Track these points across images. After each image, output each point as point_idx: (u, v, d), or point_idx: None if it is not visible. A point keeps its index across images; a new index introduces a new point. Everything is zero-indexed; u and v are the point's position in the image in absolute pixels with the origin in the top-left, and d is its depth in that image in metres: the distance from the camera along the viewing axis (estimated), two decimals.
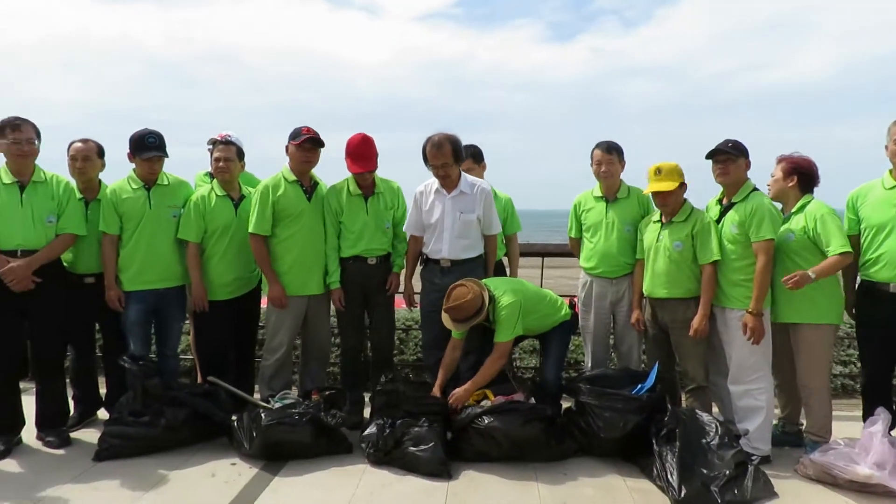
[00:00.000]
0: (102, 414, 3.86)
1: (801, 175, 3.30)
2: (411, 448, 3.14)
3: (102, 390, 3.91)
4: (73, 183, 3.60)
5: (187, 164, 3.81)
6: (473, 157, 4.06)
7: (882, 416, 3.03)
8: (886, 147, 3.18)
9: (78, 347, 3.77)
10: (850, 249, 3.11)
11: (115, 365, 3.64)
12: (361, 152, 3.62)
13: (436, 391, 3.48)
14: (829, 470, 2.99)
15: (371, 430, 3.32)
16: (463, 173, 3.73)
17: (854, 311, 3.40)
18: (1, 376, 3.33)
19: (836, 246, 3.09)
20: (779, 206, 3.37)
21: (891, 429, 3.08)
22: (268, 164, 4.15)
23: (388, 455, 3.20)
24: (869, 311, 3.27)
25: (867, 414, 3.26)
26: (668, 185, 3.36)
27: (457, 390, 3.43)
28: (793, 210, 3.30)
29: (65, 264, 3.60)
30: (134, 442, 3.30)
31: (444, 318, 3.41)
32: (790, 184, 3.30)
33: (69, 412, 3.68)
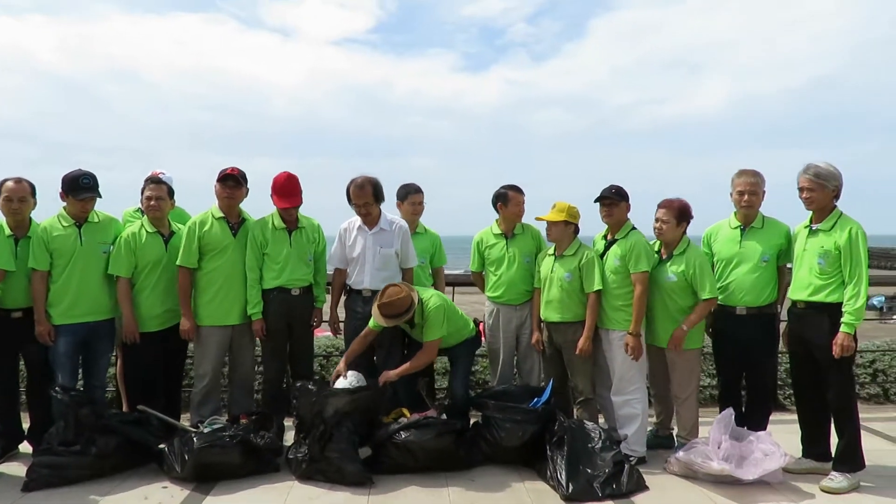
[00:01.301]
0: (24, 448, 3.92)
1: (688, 219, 3.83)
2: (335, 457, 3.45)
3: (24, 424, 3.98)
4: (2, 221, 3.73)
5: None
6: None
7: (727, 413, 3.63)
8: (731, 194, 3.86)
9: (1, 381, 3.83)
10: (717, 294, 3.73)
11: (40, 398, 3.77)
12: (287, 189, 3.97)
13: (341, 365, 3.87)
14: (690, 466, 3.57)
15: (295, 445, 3.61)
16: (383, 211, 4.14)
17: (710, 330, 4.04)
18: None
19: (709, 292, 3.70)
20: (652, 238, 3.97)
21: (739, 425, 3.71)
22: (178, 185, 4.30)
23: (314, 464, 3.47)
24: (721, 329, 3.91)
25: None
26: (552, 217, 3.91)
27: (388, 371, 3.82)
28: (675, 252, 3.81)
29: None
30: (65, 471, 3.43)
31: (375, 312, 3.75)
32: (681, 230, 3.83)
33: None
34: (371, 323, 3.86)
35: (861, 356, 5.58)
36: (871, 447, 4.14)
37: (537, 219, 4.07)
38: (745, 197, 3.77)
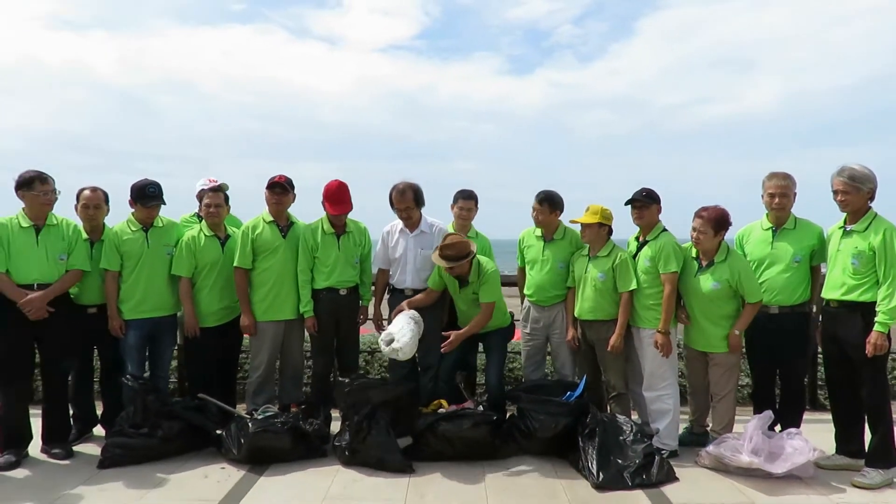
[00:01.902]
0: (97, 431, 4.30)
1: (725, 227, 3.86)
2: (374, 449, 3.68)
3: (97, 410, 4.38)
4: (80, 225, 4.12)
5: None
6: (551, 205, 4.33)
7: (766, 415, 3.71)
8: (762, 196, 3.94)
9: (79, 370, 4.23)
10: (762, 298, 3.80)
11: (112, 386, 4.15)
12: (338, 197, 4.25)
13: (404, 304, 4.14)
14: (720, 459, 3.66)
15: (340, 433, 3.87)
16: (423, 215, 4.37)
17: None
18: (16, 395, 3.80)
19: (755, 297, 3.78)
20: (685, 240, 4.06)
21: (774, 425, 3.78)
22: (230, 192, 4.55)
23: (356, 454, 3.71)
24: (754, 328, 3.97)
25: (757, 413, 3.95)
26: (587, 219, 4.04)
27: (453, 333, 4.07)
28: (716, 259, 3.85)
29: (71, 296, 4.08)
30: (134, 451, 3.77)
31: (435, 256, 4.01)
32: (718, 239, 3.87)
33: (71, 428, 4.13)
34: (430, 281, 4.19)
35: None
36: None
37: (571, 221, 4.22)
38: (776, 199, 3.84)
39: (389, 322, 4.21)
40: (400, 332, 3.90)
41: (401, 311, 4.11)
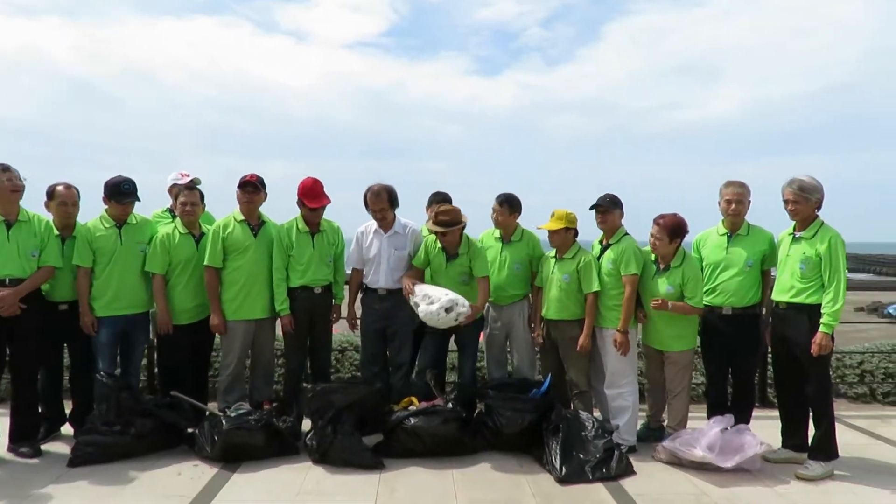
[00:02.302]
0: (65, 429, 4.29)
1: (681, 235, 4.08)
2: (342, 453, 3.78)
3: (66, 408, 4.36)
4: (51, 221, 4.11)
5: (97, 186, 4.30)
6: (510, 206, 4.45)
7: (727, 418, 3.91)
8: (719, 203, 4.15)
9: (49, 368, 4.22)
10: (702, 305, 4.02)
11: (82, 384, 4.16)
12: (316, 191, 4.33)
13: (407, 282, 4.25)
14: (675, 453, 3.87)
15: (311, 433, 3.95)
16: (397, 216, 4.48)
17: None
18: None
19: (697, 301, 4.00)
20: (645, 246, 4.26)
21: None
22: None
23: (325, 457, 3.80)
24: (708, 328, 4.19)
25: (711, 410, 4.17)
26: (553, 225, 4.21)
27: (474, 305, 4.21)
28: (672, 264, 4.06)
29: (42, 293, 4.07)
30: (106, 449, 3.80)
31: (429, 224, 4.23)
32: (674, 245, 4.07)
33: (40, 426, 4.12)
34: (415, 260, 4.39)
35: (850, 357, 5.85)
36: (854, 441, 4.47)
37: (539, 228, 4.38)
38: (732, 206, 4.07)
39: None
40: (437, 303, 4.00)
41: (409, 293, 4.18)
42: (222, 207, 4.58)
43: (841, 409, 5.34)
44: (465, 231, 4.34)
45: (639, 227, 4.35)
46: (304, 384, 4.13)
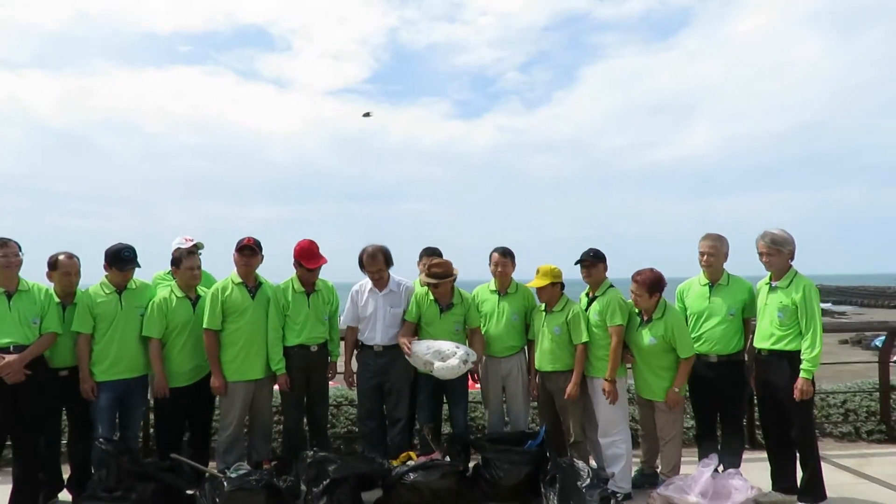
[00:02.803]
0: (63, 495, 4.28)
1: (659, 289, 4.24)
2: None
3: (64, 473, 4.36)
4: (52, 289, 4.19)
5: (78, 236, 4.45)
6: (512, 259, 4.68)
7: (713, 459, 4.04)
8: (701, 255, 4.33)
9: (49, 434, 4.22)
10: (693, 353, 4.16)
11: (81, 448, 4.18)
12: (311, 253, 4.47)
13: (404, 340, 4.39)
14: (669, 500, 3.96)
15: (308, 498, 3.95)
16: (391, 274, 4.62)
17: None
18: None
19: (687, 352, 4.14)
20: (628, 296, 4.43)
21: (717, 466, 4.11)
22: (177, 232, 4.92)
23: None
24: (697, 376, 4.32)
25: (701, 454, 4.28)
26: (538, 283, 4.38)
27: (480, 355, 4.53)
28: (654, 316, 4.21)
29: (44, 359, 4.11)
30: None
31: (422, 277, 4.40)
32: (654, 299, 4.22)
33: (39, 493, 4.11)
34: (408, 315, 4.51)
35: (833, 397, 6.01)
36: (840, 482, 4.58)
37: (528, 286, 4.54)
38: (706, 258, 4.28)
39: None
40: (453, 357, 4.19)
41: (406, 349, 4.34)
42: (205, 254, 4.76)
43: (827, 448, 5.48)
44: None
45: (618, 262, 4.52)
46: (305, 451, 4.15)
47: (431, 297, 4.49)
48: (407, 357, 4.34)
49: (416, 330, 4.59)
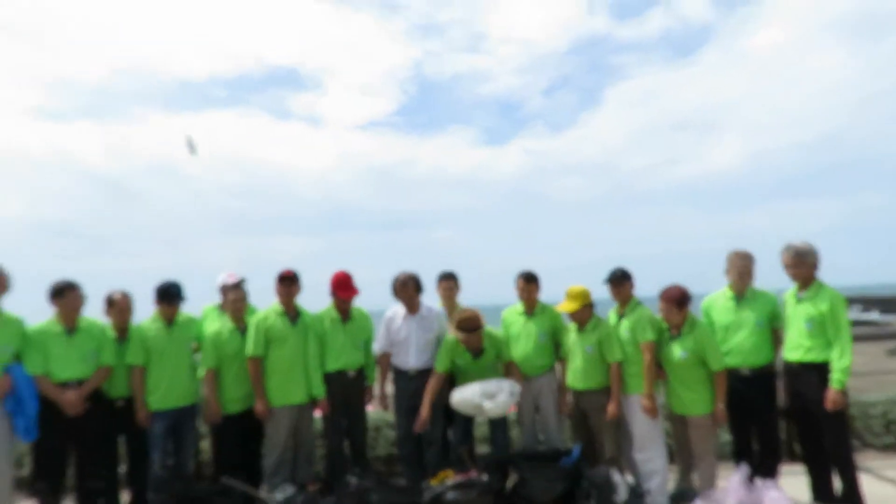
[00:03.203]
0: None
1: (687, 303, 4.34)
2: None
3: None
4: (107, 324, 4.49)
5: (124, 275, 4.76)
6: (536, 283, 4.81)
7: (742, 469, 4.09)
8: (727, 271, 4.40)
9: (107, 461, 4.48)
10: (725, 365, 4.22)
11: (138, 474, 4.42)
12: (346, 284, 4.71)
13: (424, 414, 4.49)
14: None
15: None
16: (422, 301, 4.80)
17: None
18: (53, 488, 4.07)
19: (718, 364, 4.21)
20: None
21: (753, 477, 4.13)
22: (211, 272, 5.17)
23: None
24: (731, 390, 4.33)
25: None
26: (570, 307, 4.50)
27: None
28: (683, 331, 4.29)
29: (101, 391, 4.39)
30: None
31: (452, 331, 4.51)
32: (683, 313, 4.31)
33: None
34: (438, 364, 4.58)
35: (874, 407, 5.92)
36: (883, 492, 4.54)
37: (560, 308, 4.62)
38: (740, 275, 4.36)
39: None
40: (501, 393, 4.33)
41: (424, 424, 4.51)
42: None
43: (869, 459, 5.41)
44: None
45: (646, 280, 4.62)
46: (348, 478, 4.31)
47: (462, 346, 4.61)
48: (455, 407, 4.45)
49: (448, 380, 4.67)
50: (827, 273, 4.17)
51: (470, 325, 4.48)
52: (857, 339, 4.19)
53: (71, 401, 4.05)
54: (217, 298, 5.04)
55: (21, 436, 3.94)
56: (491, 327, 4.73)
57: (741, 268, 4.35)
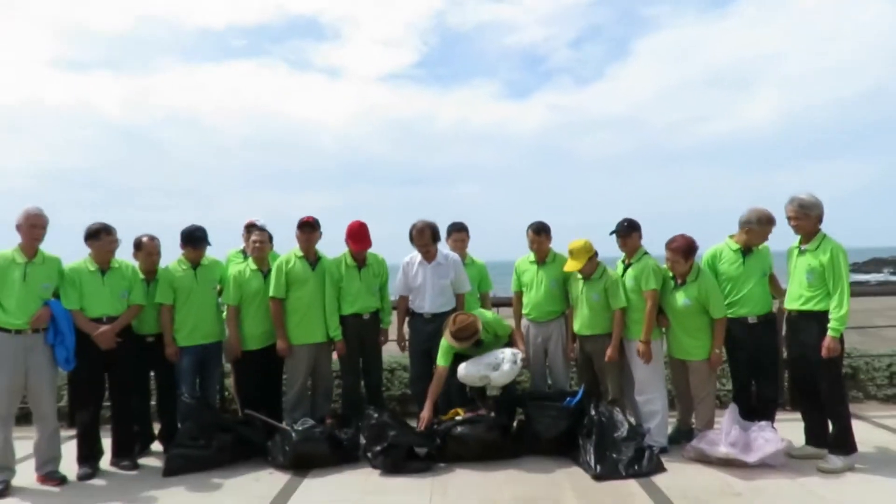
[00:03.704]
0: (155, 447, 4.88)
1: (694, 252, 4.48)
2: (394, 469, 4.21)
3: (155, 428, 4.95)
4: (136, 266, 4.73)
5: (149, 229, 4.95)
6: (547, 234, 4.95)
7: (733, 407, 4.27)
8: (747, 230, 4.41)
9: (140, 393, 4.82)
10: (726, 313, 4.38)
11: (168, 406, 4.73)
12: (360, 236, 4.88)
13: (427, 414, 4.58)
14: (702, 452, 4.21)
15: (367, 450, 4.38)
16: (438, 248, 4.98)
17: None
18: (92, 417, 4.40)
19: (719, 313, 4.37)
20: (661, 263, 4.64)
21: (750, 419, 4.30)
22: (233, 225, 5.34)
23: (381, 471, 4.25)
24: (736, 338, 4.48)
25: (741, 412, 4.46)
26: (575, 266, 4.61)
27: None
28: (688, 279, 4.44)
29: (132, 328, 4.68)
30: (193, 461, 4.34)
31: (448, 340, 4.52)
32: (689, 263, 4.47)
33: (136, 444, 4.72)
34: (440, 359, 4.65)
35: (878, 360, 6.05)
36: (878, 438, 4.74)
37: (566, 270, 4.74)
38: (760, 238, 4.45)
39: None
40: (505, 363, 4.50)
41: (428, 422, 4.56)
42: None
43: (871, 410, 5.57)
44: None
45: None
46: (369, 409, 4.58)
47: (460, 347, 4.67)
48: (462, 381, 4.61)
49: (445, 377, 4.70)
50: (858, 235, 4.22)
51: (465, 334, 4.52)
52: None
53: (105, 335, 4.32)
54: (240, 244, 5.26)
55: (62, 365, 4.24)
56: (486, 313, 4.86)
57: (764, 234, 4.44)
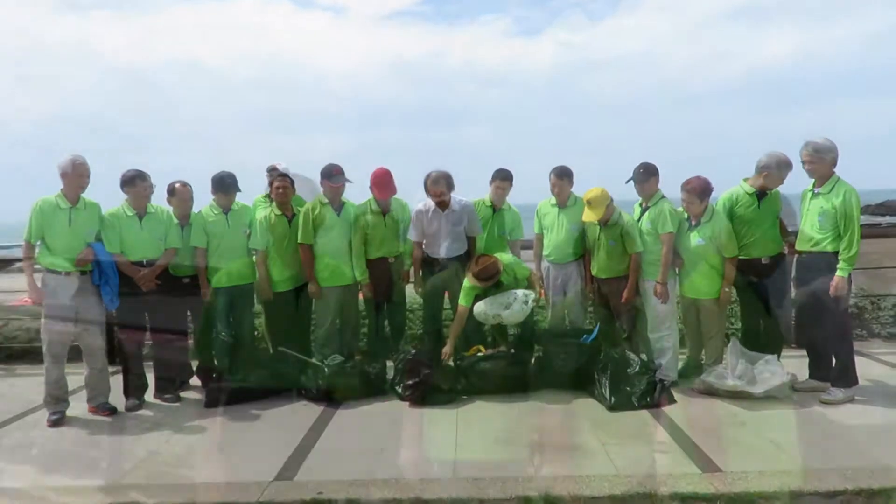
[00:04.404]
0: (193, 381, 5.19)
1: (709, 193, 4.64)
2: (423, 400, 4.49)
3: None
4: (171, 211, 4.94)
5: (166, 176, 5.05)
6: (569, 179, 5.13)
7: (734, 341, 4.50)
8: (765, 175, 4.52)
9: (178, 330, 5.09)
10: (738, 253, 4.55)
11: (205, 343, 5.02)
12: (384, 183, 5.04)
13: (449, 349, 4.84)
14: (711, 385, 4.46)
15: (395, 377, 4.70)
16: (452, 196, 5.13)
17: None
18: (135, 353, 4.70)
19: (731, 252, 4.55)
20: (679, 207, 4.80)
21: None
22: (246, 169, 5.51)
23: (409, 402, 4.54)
24: (747, 278, 4.68)
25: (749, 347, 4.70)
26: (595, 216, 4.73)
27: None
28: (702, 220, 4.62)
29: (169, 270, 4.92)
30: (232, 393, 4.64)
31: (471, 279, 4.72)
32: (704, 204, 4.63)
33: (177, 378, 5.03)
34: (462, 299, 4.84)
35: (884, 300, 6.25)
36: (880, 373, 4.98)
37: (585, 219, 4.85)
38: (776, 183, 4.58)
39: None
40: (516, 302, 4.67)
41: (448, 356, 4.83)
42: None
43: (874, 347, 5.80)
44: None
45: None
46: (408, 348, 4.82)
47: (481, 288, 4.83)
48: (477, 318, 4.78)
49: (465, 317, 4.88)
50: (884, 177, 4.32)
51: (486, 274, 4.70)
52: None
53: (146, 277, 4.57)
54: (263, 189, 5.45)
55: (108, 305, 4.51)
56: (506, 255, 4.99)
57: (781, 178, 4.56)
